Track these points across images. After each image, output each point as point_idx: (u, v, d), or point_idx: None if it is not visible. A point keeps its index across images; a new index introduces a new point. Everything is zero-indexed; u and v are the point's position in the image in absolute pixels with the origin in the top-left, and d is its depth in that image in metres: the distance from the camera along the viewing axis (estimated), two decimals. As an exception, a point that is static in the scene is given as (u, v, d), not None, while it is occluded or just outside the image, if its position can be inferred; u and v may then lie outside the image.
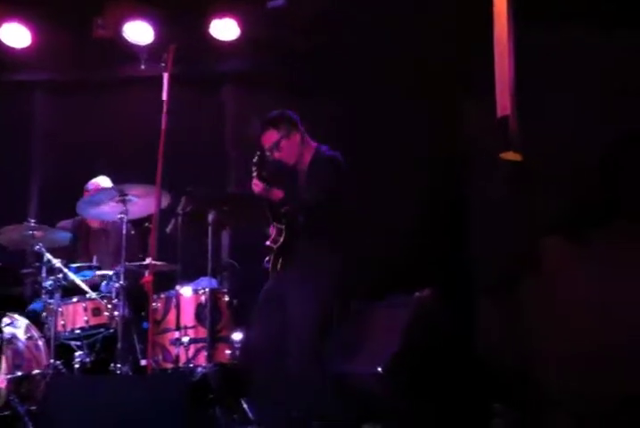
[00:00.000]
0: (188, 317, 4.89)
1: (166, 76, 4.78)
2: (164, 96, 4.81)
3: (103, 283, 5.07)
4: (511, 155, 3.57)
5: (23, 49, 6.27)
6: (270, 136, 4.43)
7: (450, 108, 5.56)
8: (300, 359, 4.19)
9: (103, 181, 5.62)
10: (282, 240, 4.34)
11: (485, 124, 3.68)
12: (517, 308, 4.51)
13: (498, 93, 3.51)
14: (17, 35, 6.21)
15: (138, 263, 5.00)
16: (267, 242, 4.40)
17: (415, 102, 5.74)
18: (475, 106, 4.90)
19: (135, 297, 4.98)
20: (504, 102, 3.47)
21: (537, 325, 4.23)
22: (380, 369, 4.72)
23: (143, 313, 5.10)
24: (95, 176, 5.64)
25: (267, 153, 4.40)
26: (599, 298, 3.34)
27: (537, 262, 4.05)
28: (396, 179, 5.77)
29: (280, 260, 4.36)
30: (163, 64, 4.80)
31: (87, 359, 4.76)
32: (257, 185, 4.33)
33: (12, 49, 6.27)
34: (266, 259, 4.48)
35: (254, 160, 4.36)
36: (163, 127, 4.74)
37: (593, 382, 3.42)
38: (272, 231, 4.44)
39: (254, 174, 4.33)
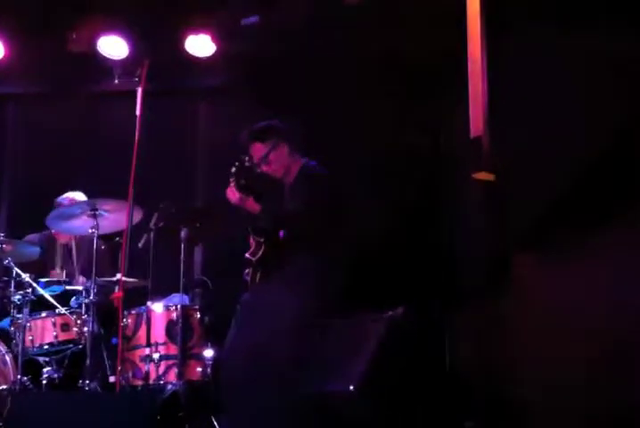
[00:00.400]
0: (159, 334, 4.82)
1: (139, 90, 4.77)
2: (137, 111, 4.81)
3: (73, 298, 5.00)
4: (483, 175, 3.60)
5: (-4, 61, 6.23)
6: (258, 149, 4.42)
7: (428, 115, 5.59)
8: (272, 377, 4.15)
9: (78, 196, 5.57)
10: (260, 253, 4.32)
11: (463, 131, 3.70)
12: (490, 324, 4.52)
13: (472, 113, 3.54)
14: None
15: (108, 279, 4.94)
16: (247, 255, 4.37)
17: (394, 111, 5.76)
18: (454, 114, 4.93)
19: (105, 313, 4.92)
20: (477, 122, 3.50)
21: (511, 340, 4.23)
22: (352, 388, 4.70)
23: (112, 329, 5.03)
24: (65, 189, 5.59)
25: (256, 166, 4.36)
26: (573, 311, 3.36)
27: (510, 275, 4.07)
28: (370, 192, 5.77)
29: (258, 274, 4.33)
30: (137, 79, 4.80)
31: (55, 375, 4.68)
32: (233, 195, 4.29)
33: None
34: (245, 271, 4.45)
35: (232, 169, 4.32)
36: (136, 141, 4.72)
37: (571, 398, 3.41)
38: (251, 243, 4.42)
39: (232, 183, 4.29)
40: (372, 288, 5.47)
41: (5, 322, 4.97)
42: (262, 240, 4.33)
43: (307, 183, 4.34)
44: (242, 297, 4.48)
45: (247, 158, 4.41)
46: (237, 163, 4.34)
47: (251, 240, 4.43)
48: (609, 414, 3.28)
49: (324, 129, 5.67)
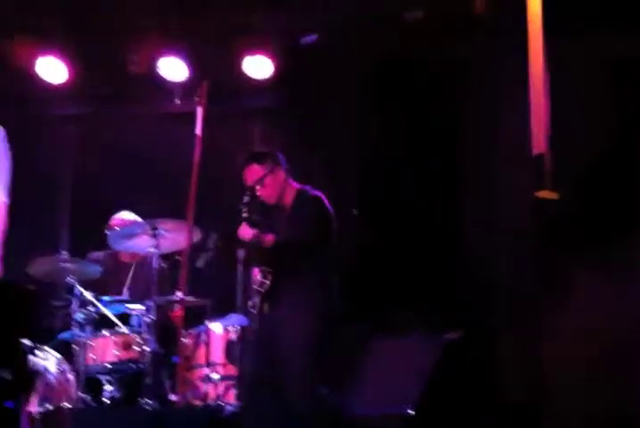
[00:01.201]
0: (218, 354, 4.87)
1: (199, 110, 4.85)
2: (197, 131, 4.88)
3: (134, 317, 5.06)
4: (546, 194, 3.57)
5: (59, 84, 6.36)
6: (254, 172, 4.31)
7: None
8: (296, 393, 4.10)
9: (127, 215, 5.64)
10: (268, 283, 4.23)
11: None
12: (537, 342, 4.47)
13: (534, 130, 3.52)
14: (53, 70, 6.29)
15: (168, 298, 4.99)
16: (255, 287, 4.28)
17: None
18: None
19: (165, 332, 4.97)
20: (539, 139, 3.47)
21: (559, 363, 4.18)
22: (410, 410, 4.67)
23: (171, 348, 5.07)
24: (126, 209, 5.67)
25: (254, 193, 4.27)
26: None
27: (563, 291, 4.02)
28: (403, 206, 5.78)
29: (266, 304, 4.24)
30: (197, 99, 4.87)
31: (116, 394, 4.73)
32: (246, 232, 4.21)
33: (49, 84, 6.35)
34: (250, 304, 4.36)
35: (244, 200, 4.24)
36: (196, 160, 4.79)
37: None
38: (255, 274, 4.33)
39: (244, 215, 4.21)
40: (423, 307, 5.47)
41: (67, 334, 5.04)
42: (270, 270, 4.23)
43: (308, 206, 4.26)
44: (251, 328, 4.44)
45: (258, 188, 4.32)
46: (248, 193, 4.26)
47: (255, 271, 4.34)
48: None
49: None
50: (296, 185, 4.38)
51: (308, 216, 4.22)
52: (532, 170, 3.88)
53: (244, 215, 4.21)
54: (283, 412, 4.14)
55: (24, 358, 3.80)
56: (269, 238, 4.21)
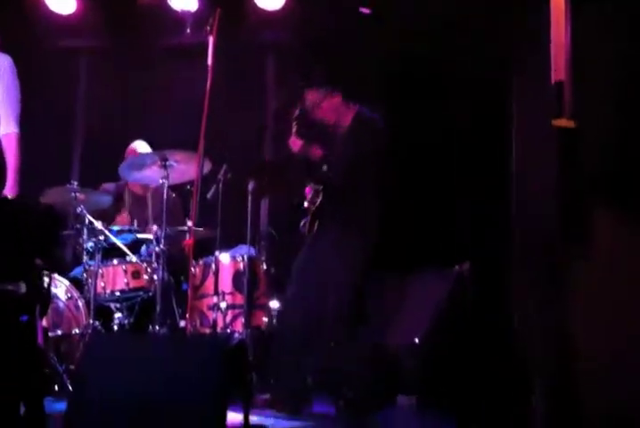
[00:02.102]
0: (226, 284, 4.90)
1: (211, 40, 4.76)
2: (209, 61, 4.80)
3: (143, 246, 5.09)
4: (564, 122, 3.50)
5: (69, 15, 6.29)
6: (312, 95, 4.42)
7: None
8: (334, 324, 4.15)
9: (140, 146, 5.63)
10: (319, 201, 4.31)
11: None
12: (558, 289, 4.43)
13: (553, 56, 3.43)
14: (63, 1, 6.22)
15: (179, 228, 5.00)
16: (305, 204, 4.37)
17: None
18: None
19: (175, 261, 5.00)
20: (559, 65, 3.39)
21: (580, 312, 4.13)
22: (416, 340, 4.70)
23: (182, 277, 5.11)
24: (139, 139, 5.66)
25: (308, 112, 4.36)
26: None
27: (586, 238, 3.96)
28: (431, 150, 5.71)
29: (317, 222, 4.32)
30: (209, 28, 4.79)
31: (126, 321, 4.80)
32: (295, 143, 4.31)
33: (58, 15, 6.28)
34: (302, 222, 4.44)
35: (296, 114, 4.34)
36: (207, 90, 4.72)
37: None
38: (308, 192, 4.41)
39: (294, 129, 4.29)
40: (433, 242, 5.46)
41: (78, 270, 5.09)
42: (320, 188, 4.31)
43: (363, 129, 4.31)
44: (300, 252, 4.47)
45: (303, 110, 4.42)
46: (300, 109, 4.35)
47: (308, 189, 4.41)
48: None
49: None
50: (355, 108, 4.44)
51: (362, 140, 4.28)
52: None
53: (294, 129, 4.33)
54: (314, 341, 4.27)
55: (39, 274, 3.83)
56: (317, 152, 4.31)
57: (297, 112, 4.35)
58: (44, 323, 4.47)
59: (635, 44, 3.60)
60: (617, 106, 3.79)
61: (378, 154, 4.33)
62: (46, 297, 4.02)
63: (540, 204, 4.80)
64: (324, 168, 4.32)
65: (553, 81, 3.65)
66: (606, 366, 3.70)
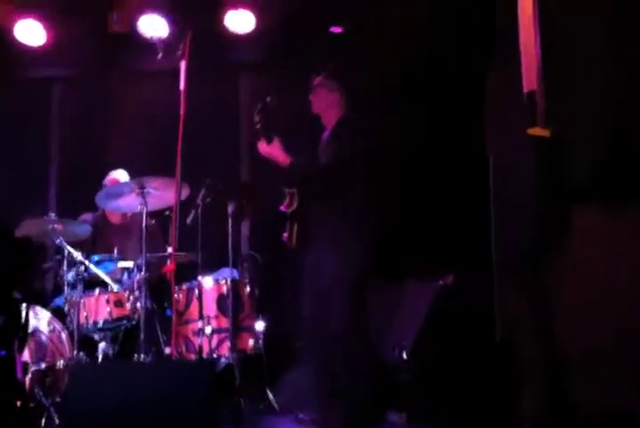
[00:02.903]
0: (210, 308, 4.87)
1: (183, 64, 4.76)
2: (182, 85, 4.80)
3: (125, 275, 5.05)
4: (538, 131, 3.51)
5: (39, 47, 6.28)
6: (318, 78, 4.47)
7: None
8: (341, 328, 4.12)
9: (121, 175, 5.61)
10: (295, 205, 4.29)
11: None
12: (541, 291, 4.43)
13: (524, 67, 3.44)
14: (32, 32, 6.21)
15: (160, 254, 4.98)
16: (281, 207, 4.34)
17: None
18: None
19: (157, 288, 4.97)
20: (530, 76, 3.40)
21: (562, 309, 4.13)
22: (405, 356, 4.69)
23: (165, 304, 5.08)
24: (113, 168, 5.63)
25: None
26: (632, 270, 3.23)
27: (565, 236, 3.95)
28: (415, 155, 5.72)
29: (295, 227, 4.29)
30: (180, 52, 4.79)
31: (110, 351, 4.75)
32: (262, 145, 4.30)
33: (29, 47, 6.27)
34: (284, 233, 4.39)
35: (259, 106, 4.33)
36: (182, 115, 4.72)
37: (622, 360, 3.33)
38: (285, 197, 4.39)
39: (257, 124, 4.29)
40: (415, 252, 5.45)
41: (59, 300, 5.05)
42: (294, 191, 4.29)
43: (343, 136, 4.29)
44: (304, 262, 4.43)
45: (270, 99, 4.40)
46: (267, 99, 4.36)
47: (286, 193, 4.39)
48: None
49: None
50: (344, 112, 4.44)
51: (343, 144, 4.26)
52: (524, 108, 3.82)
53: (257, 126, 4.32)
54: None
55: (17, 307, 3.80)
56: (284, 158, 4.26)
57: (259, 106, 4.33)
58: (26, 356, 4.44)
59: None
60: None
61: (362, 158, 4.29)
62: (25, 330, 3.98)
63: (520, 209, 4.82)
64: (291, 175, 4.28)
65: (525, 91, 3.67)
66: (590, 362, 3.70)
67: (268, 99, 4.37)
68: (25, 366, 4.28)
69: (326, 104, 4.44)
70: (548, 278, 4.26)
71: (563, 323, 4.07)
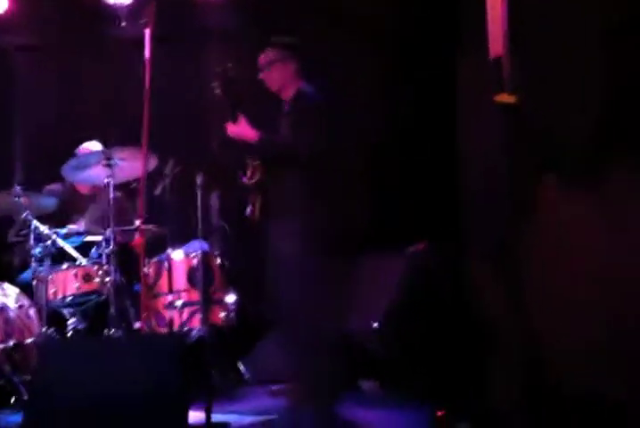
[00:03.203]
0: (180, 281, 4.82)
1: (147, 32, 4.67)
2: (146, 54, 4.71)
3: (93, 248, 5.00)
4: (505, 97, 3.47)
5: (1, 14, 6.13)
6: (268, 55, 4.35)
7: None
8: (304, 299, 4.10)
9: (94, 146, 5.52)
10: (257, 177, 4.23)
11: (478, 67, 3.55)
12: (512, 263, 4.44)
13: (491, 33, 3.39)
14: (-6, 0, 6.06)
15: (127, 227, 4.92)
16: (244, 179, 4.28)
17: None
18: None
19: (126, 261, 4.91)
20: (497, 42, 3.35)
21: (533, 280, 4.14)
22: (375, 325, 4.70)
23: (134, 277, 5.04)
24: (80, 139, 5.53)
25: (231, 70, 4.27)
26: (597, 246, 3.23)
27: (533, 208, 3.95)
28: (385, 130, 5.67)
29: (258, 200, 4.24)
30: (144, 21, 4.69)
31: (80, 326, 4.72)
32: (230, 127, 4.22)
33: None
34: (247, 208, 4.34)
35: (218, 70, 4.26)
36: (147, 85, 4.63)
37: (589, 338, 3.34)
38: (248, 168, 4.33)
39: (217, 91, 4.23)
40: (385, 225, 5.44)
41: (27, 274, 4.99)
42: (257, 163, 4.23)
43: (312, 113, 4.19)
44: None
45: (230, 66, 4.32)
46: (223, 69, 4.28)
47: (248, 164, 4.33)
48: (630, 350, 3.19)
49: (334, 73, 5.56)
50: (299, 82, 4.32)
51: (310, 124, 4.14)
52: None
53: (217, 91, 4.25)
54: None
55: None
56: (251, 134, 4.19)
57: (219, 69, 4.26)
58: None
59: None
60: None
61: (323, 132, 4.21)
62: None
63: (489, 181, 4.81)
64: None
65: (491, 57, 3.62)
66: (560, 343, 3.72)
67: (229, 65, 4.28)
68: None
69: (283, 79, 4.32)
70: (517, 255, 4.27)
71: (534, 301, 4.08)
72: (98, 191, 5.52)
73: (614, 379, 3.23)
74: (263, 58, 4.35)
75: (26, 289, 4.86)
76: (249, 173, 4.27)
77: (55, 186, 5.52)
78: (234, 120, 4.21)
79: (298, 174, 4.17)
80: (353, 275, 5.20)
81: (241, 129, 4.22)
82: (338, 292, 4.89)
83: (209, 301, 4.77)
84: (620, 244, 3.21)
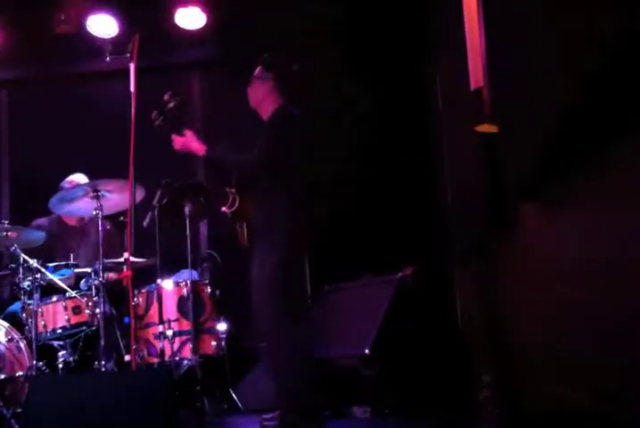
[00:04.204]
0: (171, 311, 4.83)
1: (132, 66, 4.70)
2: (132, 88, 4.74)
3: (82, 281, 4.99)
4: (486, 127, 3.52)
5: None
6: (255, 73, 4.44)
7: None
8: (269, 328, 4.09)
9: (79, 178, 5.54)
10: (237, 205, 4.25)
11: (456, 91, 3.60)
12: (492, 279, 4.48)
13: (471, 64, 3.45)
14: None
15: (116, 260, 4.92)
16: (223, 209, 4.30)
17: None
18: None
19: (116, 293, 4.92)
20: (477, 73, 3.41)
21: (515, 297, 4.17)
22: (367, 351, 4.71)
23: (124, 309, 5.03)
24: (67, 172, 5.56)
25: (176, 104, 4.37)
26: (579, 263, 3.26)
27: (513, 230, 3.99)
28: (366, 151, 5.74)
29: (245, 228, 4.25)
30: (129, 55, 4.73)
31: (71, 359, 4.69)
32: (175, 141, 4.32)
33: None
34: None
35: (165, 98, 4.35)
36: (133, 118, 4.66)
37: (572, 349, 3.36)
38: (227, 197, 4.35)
39: (156, 121, 4.33)
40: (372, 247, 5.47)
41: (16, 305, 4.98)
42: (233, 190, 4.25)
43: (276, 126, 4.25)
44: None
45: (170, 94, 4.41)
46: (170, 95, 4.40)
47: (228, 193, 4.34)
48: (613, 362, 3.21)
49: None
50: (280, 101, 4.37)
51: (276, 133, 4.20)
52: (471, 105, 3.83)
53: (156, 123, 4.37)
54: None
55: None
56: (197, 147, 4.28)
57: (166, 97, 4.35)
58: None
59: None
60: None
61: (301, 149, 4.27)
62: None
63: (470, 203, 4.87)
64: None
65: (472, 88, 3.67)
66: (542, 357, 3.74)
67: (166, 97, 4.38)
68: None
69: (261, 96, 4.38)
70: (498, 272, 4.31)
71: (515, 316, 4.11)
72: (87, 223, 5.55)
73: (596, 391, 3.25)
74: (253, 73, 4.46)
75: (14, 321, 4.84)
76: (229, 202, 4.28)
77: (42, 220, 5.53)
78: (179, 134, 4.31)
79: (262, 198, 4.19)
80: (342, 301, 5.23)
81: (187, 141, 4.29)
82: (323, 316, 4.92)
83: (199, 331, 4.78)
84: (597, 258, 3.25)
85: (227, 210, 4.27)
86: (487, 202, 4.46)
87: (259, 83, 4.39)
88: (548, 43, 3.64)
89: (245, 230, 4.26)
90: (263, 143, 4.20)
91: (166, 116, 4.31)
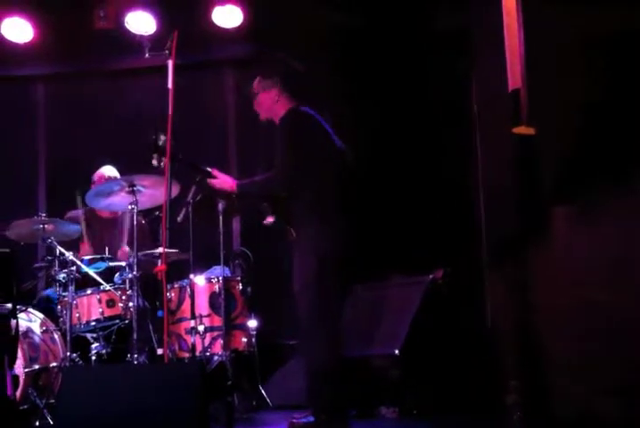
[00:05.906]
0: (203, 306, 4.88)
1: (170, 63, 4.74)
2: (169, 84, 4.78)
3: (117, 274, 5.05)
4: (523, 129, 3.51)
5: (26, 44, 6.25)
6: (251, 89, 4.39)
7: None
8: (304, 327, 4.09)
9: (108, 170, 5.61)
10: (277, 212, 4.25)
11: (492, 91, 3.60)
12: (524, 283, 4.47)
13: (509, 65, 3.44)
14: (19, 29, 6.19)
15: (150, 252, 4.97)
16: (265, 221, 4.29)
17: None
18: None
19: (149, 287, 4.96)
20: (515, 74, 3.41)
21: (545, 300, 4.16)
22: (396, 351, 4.72)
23: (157, 303, 5.08)
24: (102, 166, 5.62)
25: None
26: (611, 269, 3.25)
27: (545, 233, 3.98)
28: (399, 152, 5.74)
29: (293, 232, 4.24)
30: (167, 51, 4.77)
31: (104, 351, 4.75)
32: (214, 183, 4.35)
33: (15, 44, 6.25)
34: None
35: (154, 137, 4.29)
36: (170, 115, 4.70)
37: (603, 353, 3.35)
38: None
39: (153, 161, 4.26)
40: (403, 248, 5.47)
41: (50, 291, 5.05)
42: (266, 204, 4.26)
43: (286, 130, 4.18)
44: None
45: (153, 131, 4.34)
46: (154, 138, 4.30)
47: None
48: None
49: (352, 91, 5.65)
50: (291, 104, 4.28)
51: (289, 137, 4.14)
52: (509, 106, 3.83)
53: (154, 162, 4.28)
54: None
55: (5, 322, 3.81)
56: (227, 183, 4.32)
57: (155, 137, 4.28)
58: (20, 358, 4.43)
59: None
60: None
61: (321, 146, 4.21)
62: (14, 345, 3.96)
63: (503, 204, 4.85)
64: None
65: (509, 89, 3.68)
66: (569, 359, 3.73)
67: (153, 136, 4.31)
68: (15, 380, 4.23)
69: (269, 105, 4.31)
70: (529, 274, 4.30)
71: (544, 320, 4.10)
72: (119, 216, 5.60)
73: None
74: (249, 92, 4.39)
75: (48, 307, 4.91)
76: (269, 213, 4.28)
77: (76, 212, 5.59)
78: (210, 177, 4.36)
79: (295, 202, 4.19)
80: (373, 301, 5.24)
81: (221, 182, 4.33)
82: (353, 317, 4.92)
83: (230, 327, 4.82)
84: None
85: (272, 220, 4.26)
86: (519, 204, 4.44)
87: (264, 93, 4.32)
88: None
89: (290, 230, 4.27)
90: (279, 151, 4.18)
91: (161, 153, 4.29)
